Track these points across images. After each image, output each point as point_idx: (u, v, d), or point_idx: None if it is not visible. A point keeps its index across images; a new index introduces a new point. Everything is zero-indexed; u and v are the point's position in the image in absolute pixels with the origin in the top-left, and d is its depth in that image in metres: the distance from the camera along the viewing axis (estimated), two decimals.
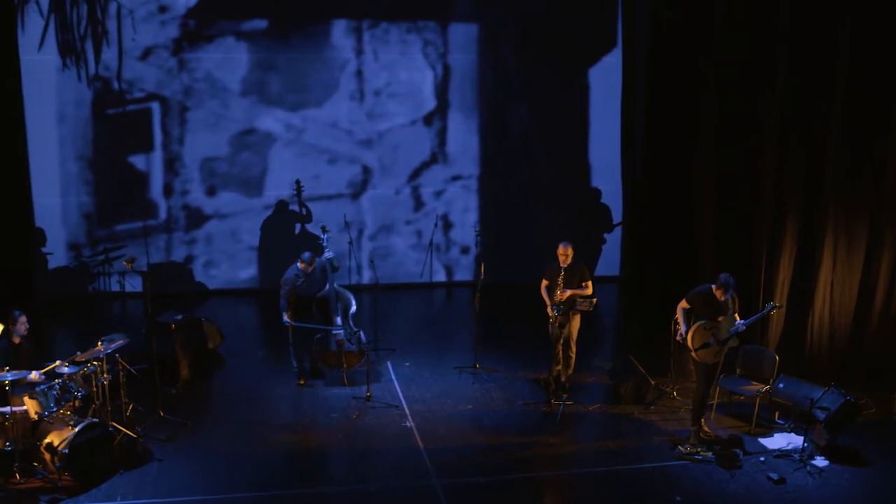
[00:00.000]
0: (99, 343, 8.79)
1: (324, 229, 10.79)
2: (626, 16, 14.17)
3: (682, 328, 9.08)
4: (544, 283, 10.18)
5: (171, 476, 8.36)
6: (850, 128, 9.95)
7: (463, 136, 14.36)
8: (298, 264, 10.22)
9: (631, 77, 14.23)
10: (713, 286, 8.84)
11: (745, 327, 8.94)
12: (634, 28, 14.05)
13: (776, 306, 9.34)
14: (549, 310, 10.00)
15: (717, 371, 9.21)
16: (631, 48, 14.14)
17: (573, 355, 10.19)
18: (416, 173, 14.33)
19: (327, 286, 10.44)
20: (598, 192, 14.88)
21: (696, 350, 8.92)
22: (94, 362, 8.60)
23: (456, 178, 14.47)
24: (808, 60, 10.10)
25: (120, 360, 9.10)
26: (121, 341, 8.91)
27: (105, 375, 8.70)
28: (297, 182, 13.81)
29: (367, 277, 14.10)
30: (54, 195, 13.38)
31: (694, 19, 12.08)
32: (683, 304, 9.13)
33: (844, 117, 9.91)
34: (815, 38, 10.05)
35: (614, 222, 14.99)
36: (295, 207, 13.97)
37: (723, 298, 8.76)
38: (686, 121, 12.48)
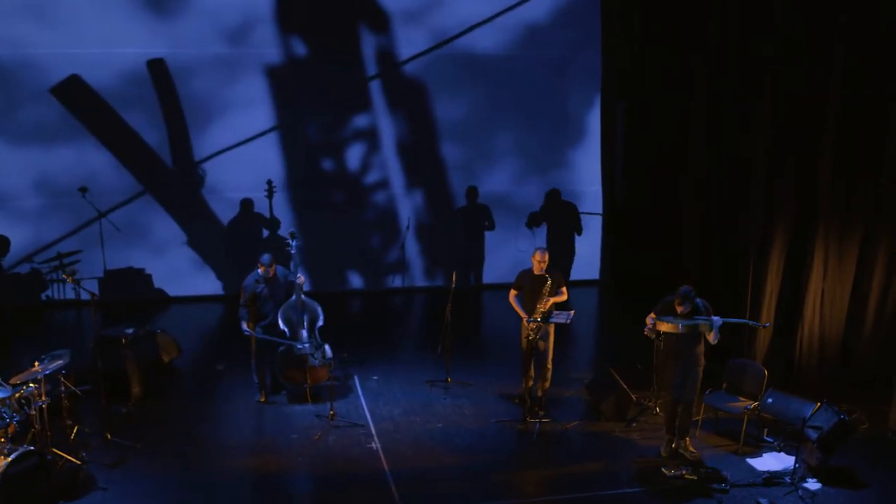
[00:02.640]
0: (36, 363, 8.10)
1: (292, 235, 10.03)
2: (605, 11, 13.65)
3: (648, 329, 8.54)
4: (514, 292, 9.60)
5: None
6: (842, 133, 9.43)
7: None
8: (259, 269, 9.58)
9: (610, 75, 13.68)
10: (674, 296, 8.32)
11: (720, 322, 8.36)
12: (616, 25, 13.50)
13: (765, 325, 8.77)
14: (524, 321, 9.44)
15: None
16: (611, 44, 13.57)
17: (549, 367, 9.64)
18: None
19: (294, 297, 9.78)
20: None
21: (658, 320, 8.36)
22: (32, 384, 7.94)
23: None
24: (800, 63, 9.61)
25: (63, 379, 8.45)
26: (60, 361, 8.22)
27: (43, 398, 8.04)
28: (269, 182, 13.19)
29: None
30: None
31: (685, 17, 11.56)
32: (651, 316, 8.54)
33: (837, 121, 9.37)
34: (809, 40, 9.59)
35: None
36: (262, 210, 13.36)
37: (679, 310, 8.22)
38: (672, 123, 12.00)
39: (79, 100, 12.64)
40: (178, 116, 12.98)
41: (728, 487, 8.03)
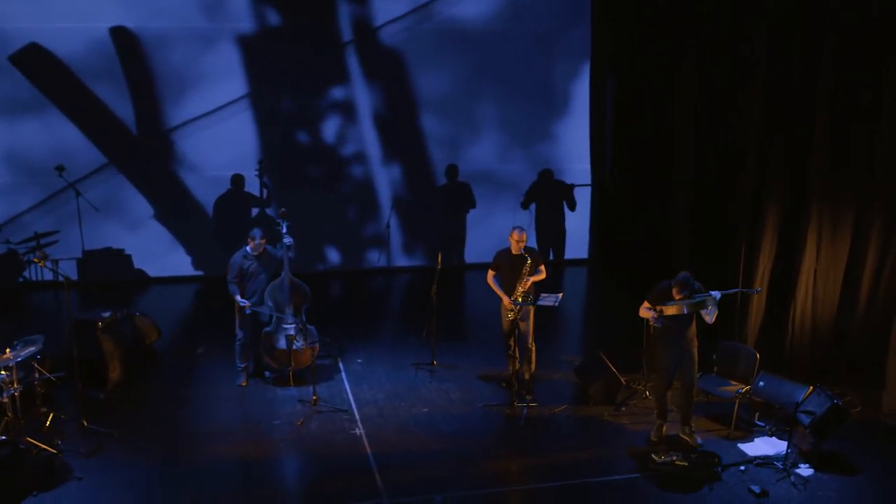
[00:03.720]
0: (8, 350, 7.84)
1: (283, 215, 9.67)
2: None
3: (654, 320, 8.23)
4: (492, 272, 9.39)
5: (89, 497, 7.48)
6: (836, 111, 9.19)
7: None
8: (248, 246, 9.30)
9: (600, 52, 13.38)
10: (672, 283, 8.08)
11: (720, 296, 8.12)
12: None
13: (756, 290, 8.50)
14: (505, 301, 9.24)
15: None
16: (600, 22, 13.27)
17: (532, 347, 9.49)
18: None
19: (283, 275, 9.50)
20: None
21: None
22: (3, 371, 7.69)
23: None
24: (793, 41, 9.36)
25: (37, 366, 8.20)
26: (33, 347, 7.97)
27: (16, 385, 7.79)
28: (261, 162, 12.90)
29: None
30: None
31: None
32: (645, 304, 8.29)
33: (830, 99, 9.14)
34: (801, 19, 9.33)
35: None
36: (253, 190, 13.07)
37: (679, 297, 7.99)
38: (661, 101, 11.77)
39: (44, 71, 12.28)
40: (148, 89, 12.63)
41: (720, 471, 7.91)
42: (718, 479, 7.81)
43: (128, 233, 12.99)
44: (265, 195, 13.09)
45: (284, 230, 9.46)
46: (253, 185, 13.10)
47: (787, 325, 9.74)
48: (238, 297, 9.28)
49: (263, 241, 9.33)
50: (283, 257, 9.39)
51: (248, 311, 9.30)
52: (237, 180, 13.05)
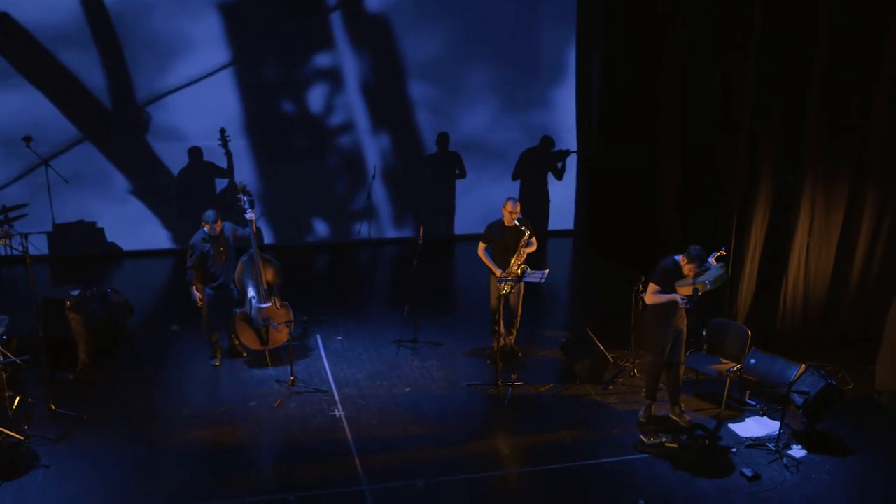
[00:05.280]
0: None
1: (242, 189, 9.32)
2: None
3: (680, 300, 7.73)
4: (483, 245, 9.09)
5: (57, 487, 7.18)
6: (830, 81, 8.84)
7: None
8: (203, 227, 8.93)
9: (587, 16, 12.97)
10: (681, 258, 7.73)
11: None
12: None
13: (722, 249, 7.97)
14: (497, 273, 8.94)
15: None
16: None
17: (518, 320, 9.31)
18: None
19: (250, 253, 9.14)
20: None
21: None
22: None
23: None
24: (787, 5, 8.99)
25: (1, 348, 7.85)
26: None
27: None
28: (223, 131, 12.44)
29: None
30: None
31: None
32: (653, 288, 7.81)
33: (825, 70, 8.79)
34: None
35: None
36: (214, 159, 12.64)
37: (693, 274, 7.64)
38: (650, 65, 11.42)
39: (12, 41, 11.75)
40: (123, 58, 12.12)
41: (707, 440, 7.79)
42: (709, 461, 7.58)
43: (100, 205, 12.55)
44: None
45: (246, 205, 9.09)
46: (218, 156, 12.61)
47: (779, 300, 9.48)
48: (193, 290, 8.97)
49: (219, 221, 8.92)
50: (250, 234, 9.04)
51: (210, 296, 9.00)
52: (195, 153, 12.58)
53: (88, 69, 12.05)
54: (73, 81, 12.04)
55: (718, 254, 7.82)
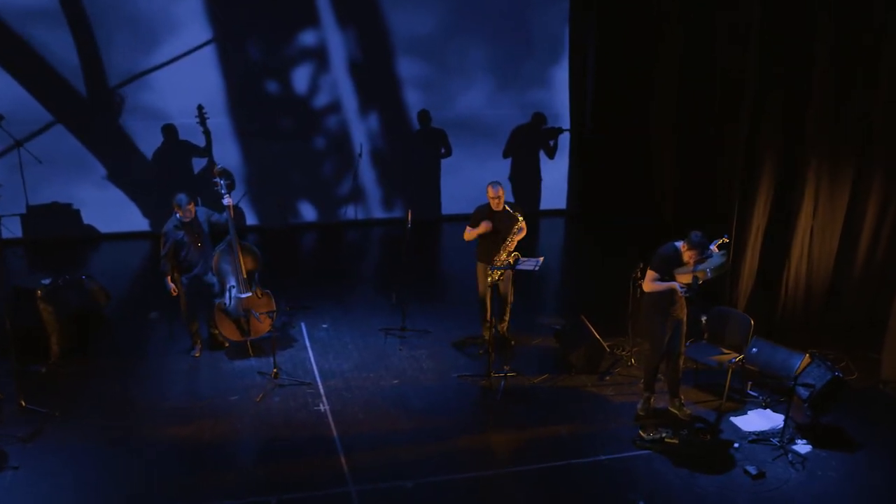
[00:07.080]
0: None
1: (220, 173, 8.83)
2: None
3: (679, 289, 7.35)
4: (470, 228, 8.70)
5: (26, 489, 6.77)
6: (835, 64, 8.47)
7: None
8: (176, 212, 8.49)
9: None
10: (681, 245, 7.35)
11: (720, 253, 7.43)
12: None
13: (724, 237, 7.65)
14: (488, 266, 8.58)
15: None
16: None
17: (509, 307, 8.99)
18: None
19: (230, 239, 8.71)
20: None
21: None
22: None
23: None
24: None
25: None
26: None
27: None
28: (200, 108, 11.95)
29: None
30: None
31: None
32: (652, 275, 7.43)
33: (830, 51, 8.41)
34: None
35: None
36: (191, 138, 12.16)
37: (694, 261, 7.28)
38: (646, 43, 11.02)
39: None
40: (100, 36, 11.67)
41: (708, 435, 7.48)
42: (710, 457, 7.25)
43: (77, 187, 12.10)
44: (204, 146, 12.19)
45: (224, 190, 8.65)
46: (196, 135, 12.13)
47: (781, 287, 9.15)
48: (167, 280, 8.58)
49: (192, 206, 8.47)
50: (227, 220, 8.61)
51: (186, 287, 8.63)
52: (169, 130, 12.11)
53: (64, 50, 11.58)
54: (44, 63, 11.55)
55: (721, 241, 7.47)
